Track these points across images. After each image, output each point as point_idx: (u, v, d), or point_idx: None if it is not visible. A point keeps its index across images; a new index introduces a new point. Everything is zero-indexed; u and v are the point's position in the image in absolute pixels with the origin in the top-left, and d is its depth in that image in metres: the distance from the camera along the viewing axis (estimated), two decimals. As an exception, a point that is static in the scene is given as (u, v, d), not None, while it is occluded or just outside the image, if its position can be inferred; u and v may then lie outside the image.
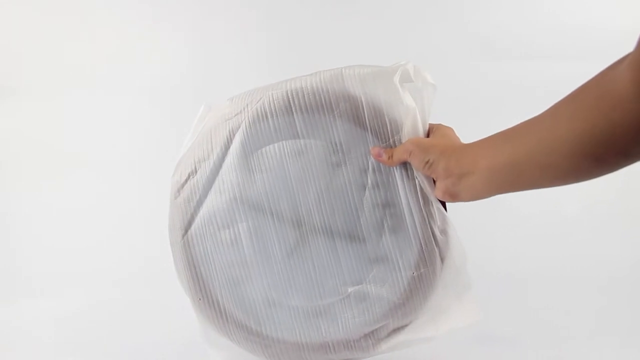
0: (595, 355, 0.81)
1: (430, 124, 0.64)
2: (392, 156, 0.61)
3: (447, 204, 0.64)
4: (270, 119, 0.63)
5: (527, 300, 0.98)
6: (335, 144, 0.63)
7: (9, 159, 1.26)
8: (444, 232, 0.62)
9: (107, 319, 0.97)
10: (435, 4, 1.31)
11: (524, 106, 1.22)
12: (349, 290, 0.64)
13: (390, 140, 0.62)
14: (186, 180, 0.66)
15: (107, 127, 1.28)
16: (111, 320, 0.97)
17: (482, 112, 1.20)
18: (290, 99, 0.63)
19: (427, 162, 0.58)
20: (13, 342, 0.92)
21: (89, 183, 1.23)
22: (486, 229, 1.09)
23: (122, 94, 1.28)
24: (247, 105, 0.64)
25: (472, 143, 0.57)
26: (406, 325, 0.65)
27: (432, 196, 0.61)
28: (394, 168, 0.62)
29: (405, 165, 0.62)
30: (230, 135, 0.64)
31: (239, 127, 0.64)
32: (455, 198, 0.57)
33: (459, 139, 0.62)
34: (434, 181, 0.61)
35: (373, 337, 0.66)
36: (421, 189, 0.61)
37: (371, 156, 0.62)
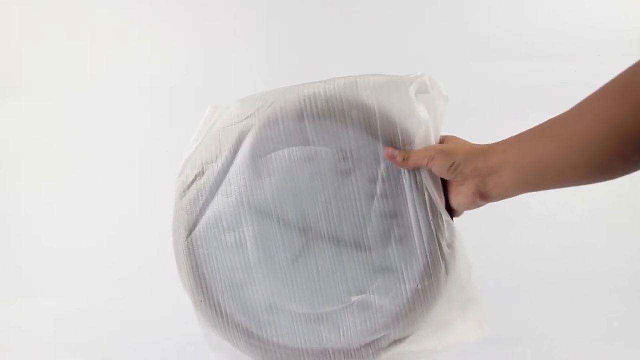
0: (595, 356, 0.81)
1: (441, 136, 0.63)
2: (407, 159, 0.60)
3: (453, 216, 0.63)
4: (281, 124, 0.63)
5: (529, 303, 0.98)
6: (346, 152, 0.62)
7: (9, 159, 1.26)
8: (451, 245, 0.62)
9: (107, 319, 0.97)
10: (435, 4, 1.31)
11: (524, 106, 1.23)
12: (352, 299, 0.64)
13: None
14: (193, 182, 0.65)
15: (107, 127, 1.28)
16: (111, 320, 0.97)
17: (481, 112, 1.20)
18: (303, 105, 0.62)
19: (453, 165, 0.57)
20: (13, 342, 0.91)
21: (89, 183, 1.23)
22: (488, 233, 1.09)
23: (122, 94, 1.28)
24: (259, 109, 0.64)
25: (498, 143, 0.56)
26: (407, 337, 0.65)
27: (442, 208, 0.61)
28: (404, 179, 0.61)
29: (415, 176, 0.61)
30: (240, 139, 0.64)
31: (249, 131, 0.63)
32: (485, 198, 0.57)
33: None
34: (447, 193, 0.60)
35: (374, 347, 0.65)
36: (430, 200, 0.61)
37: (382, 164, 0.61)
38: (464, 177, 0.57)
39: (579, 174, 0.48)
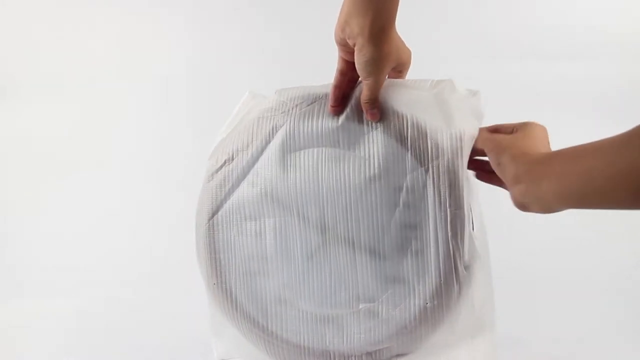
0: (599, 355, 0.81)
1: (520, 123, 0.59)
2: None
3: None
4: (314, 123, 0.63)
5: (531, 300, 0.97)
6: (374, 159, 0.61)
7: (9, 159, 1.26)
8: (468, 267, 0.60)
9: (110, 319, 0.97)
10: (435, 4, 1.31)
11: (523, 106, 1.23)
12: (360, 306, 0.64)
13: (429, 164, 0.60)
14: (221, 166, 0.66)
15: (108, 127, 1.28)
16: (114, 320, 0.97)
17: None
18: None
19: (499, 164, 0.54)
20: (14, 342, 0.92)
21: (90, 183, 1.23)
22: (489, 230, 1.09)
23: (122, 94, 1.28)
24: (296, 105, 0.64)
25: (551, 152, 0.53)
26: (409, 353, 0.65)
27: (468, 228, 0.59)
28: (429, 192, 0.59)
29: (439, 192, 0.59)
30: (273, 131, 0.64)
31: (283, 125, 0.64)
32: (525, 209, 0.53)
33: (547, 141, 0.57)
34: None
35: (375, 356, 0.65)
36: (453, 217, 0.59)
37: (408, 174, 0.60)
38: (506, 180, 0.54)
39: (627, 189, 0.42)
